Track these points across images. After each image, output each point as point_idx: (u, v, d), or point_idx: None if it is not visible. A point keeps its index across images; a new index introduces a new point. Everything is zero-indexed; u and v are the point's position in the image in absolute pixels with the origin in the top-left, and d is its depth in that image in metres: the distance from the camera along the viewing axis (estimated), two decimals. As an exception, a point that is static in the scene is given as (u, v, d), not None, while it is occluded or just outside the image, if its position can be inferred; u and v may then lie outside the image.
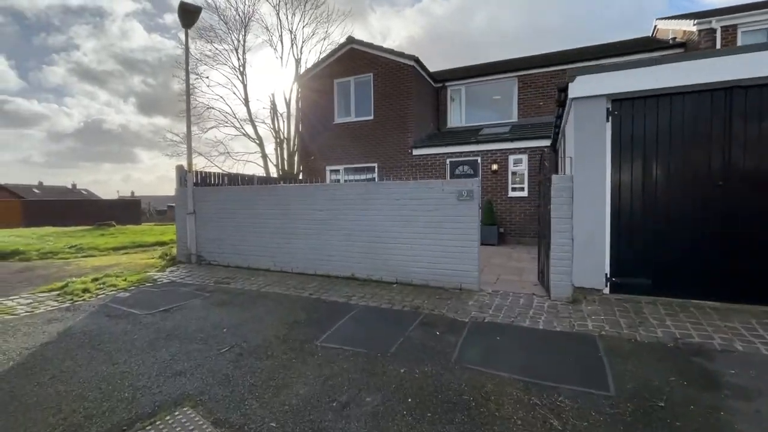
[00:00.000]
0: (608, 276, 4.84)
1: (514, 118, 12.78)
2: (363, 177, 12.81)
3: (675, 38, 11.49)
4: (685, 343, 3.53)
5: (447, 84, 13.74)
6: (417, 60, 11.95)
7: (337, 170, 13.29)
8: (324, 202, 6.48)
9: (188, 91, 8.85)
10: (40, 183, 48.34)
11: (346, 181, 12.84)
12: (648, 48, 11.34)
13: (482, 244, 10.26)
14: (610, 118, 4.75)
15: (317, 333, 4.04)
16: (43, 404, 2.79)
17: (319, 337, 3.94)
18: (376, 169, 12.58)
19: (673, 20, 11.81)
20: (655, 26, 13.64)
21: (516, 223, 10.73)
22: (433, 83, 13.66)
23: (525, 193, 10.66)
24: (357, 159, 12.88)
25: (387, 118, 12.31)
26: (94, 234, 13.60)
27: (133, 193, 58.56)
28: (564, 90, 4.98)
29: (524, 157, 10.67)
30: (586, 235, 4.85)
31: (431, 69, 13.18)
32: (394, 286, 5.84)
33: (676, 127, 4.57)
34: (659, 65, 4.41)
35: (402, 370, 3.21)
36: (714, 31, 9.91)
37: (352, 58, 12.84)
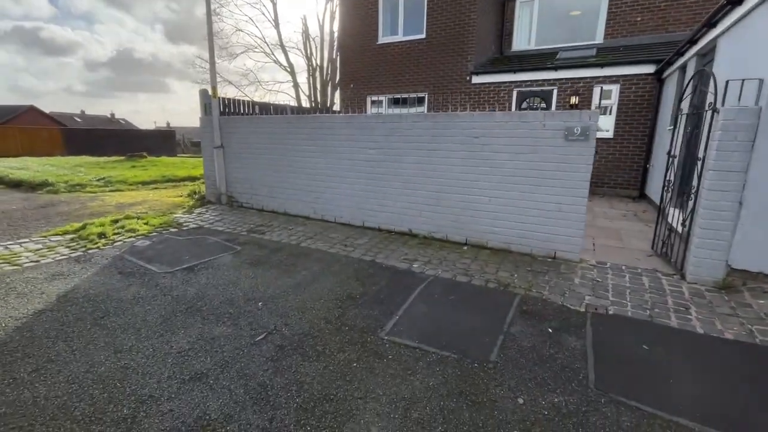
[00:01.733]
0: (791, 255, 3.39)
1: (599, 39, 10.31)
2: (409, 109, 11.13)
3: None
4: None
5: (516, -5, 11.17)
6: (487, -41, 9.50)
7: (380, 101, 11.62)
8: (378, 138, 5.14)
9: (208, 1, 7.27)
10: (82, 112, 48.97)
11: (388, 113, 11.25)
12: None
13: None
14: None
15: (381, 318, 2.99)
16: (8, 420, 1.94)
17: (384, 325, 2.90)
18: (426, 100, 10.82)
19: None
20: None
21: (595, 170, 8.98)
22: (499, -6, 11.15)
23: (610, 134, 8.75)
24: (403, 87, 11.10)
25: (442, 38, 10.25)
26: (125, 166, 13.06)
27: (168, 123, 58.70)
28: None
29: (615, 88, 8.58)
30: (765, 197, 3.32)
31: (500, -27, 10.61)
32: (465, 248, 4.65)
33: None
34: None
35: (520, 401, 2.12)
36: None
37: (403, -42, 10.46)
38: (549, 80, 9.18)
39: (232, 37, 19.94)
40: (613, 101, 8.64)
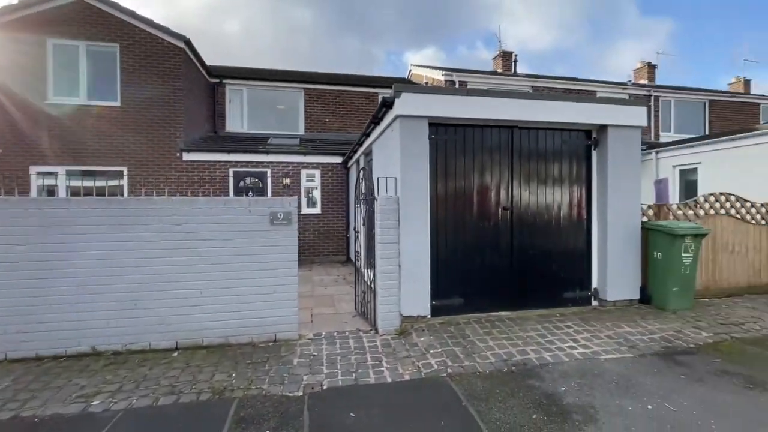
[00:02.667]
0: (430, 300, 4.76)
1: (301, 131, 12.29)
2: (102, 184, 9.10)
3: (427, 83, 13.96)
4: (515, 365, 3.65)
5: (226, 81, 11.81)
6: (189, 42, 9.59)
7: (53, 173, 8.91)
8: (29, 228, 3.75)
9: None
10: None
11: (69, 189, 8.75)
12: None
13: (276, 267, 9.17)
14: (428, 141, 4.72)
15: None
16: None
17: None
18: (126, 176, 9.22)
19: (426, 68, 14.37)
20: (410, 70, 16.36)
21: (310, 242, 10.10)
22: (208, 77, 11.42)
23: (318, 210, 10.21)
24: (91, 159, 9.05)
25: (144, 109, 9.25)
26: None
27: None
28: (388, 105, 4.65)
29: (317, 173, 10.23)
30: (412, 260, 4.61)
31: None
32: (176, 354, 3.91)
33: (478, 155, 4.99)
34: (470, 96, 4.70)
35: None
36: (455, 82, 12.56)
37: (84, 14, 9.00)
38: (263, 162, 9.87)
39: None
40: (317, 183, 10.20)
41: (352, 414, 2.87)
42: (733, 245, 5.90)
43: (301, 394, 3.16)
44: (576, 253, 5.33)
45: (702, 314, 5.00)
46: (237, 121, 12.10)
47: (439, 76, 13.09)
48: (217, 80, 11.69)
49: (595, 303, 5.37)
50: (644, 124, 5.24)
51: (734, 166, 8.31)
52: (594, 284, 5.37)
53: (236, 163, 9.75)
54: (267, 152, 9.86)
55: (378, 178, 4.76)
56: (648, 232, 5.34)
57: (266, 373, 3.50)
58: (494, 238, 5.05)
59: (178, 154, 9.42)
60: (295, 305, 4.33)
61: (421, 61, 55.03)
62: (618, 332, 4.43)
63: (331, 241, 10.20)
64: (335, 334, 4.53)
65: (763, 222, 6.09)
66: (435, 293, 4.81)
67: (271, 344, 4.18)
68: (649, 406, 2.93)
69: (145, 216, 3.98)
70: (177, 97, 9.39)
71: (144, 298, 3.95)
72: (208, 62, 11.22)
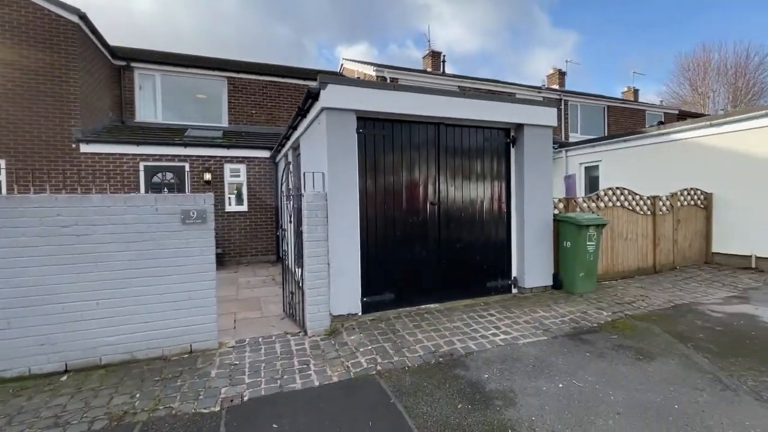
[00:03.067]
0: (361, 297, 4.69)
1: (225, 123, 11.47)
2: (-28, 181, 7.59)
3: (359, 77, 13.87)
4: (442, 356, 3.73)
5: (135, 65, 10.55)
6: (84, 17, 8.35)
7: None
8: None
9: None
10: None
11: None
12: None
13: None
14: (356, 135, 4.63)
15: None
16: None
17: None
18: (3, 171, 7.79)
19: (358, 63, 14.25)
20: (342, 65, 16.13)
21: (236, 242, 9.48)
22: (112, 59, 10.11)
23: (245, 207, 9.61)
24: (-45, 150, 7.49)
25: (27, 91, 7.87)
26: None
27: None
28: (314, 97, 4.45)
29: (242, 168, 9.61)
30: (342, 257, 4.49)
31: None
32: (65, 378, 3.36)
33: (406, 151, 5.02)
34: (398, 91, 4.69)
35: None
36: (386, 78, 12.62)
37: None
38: (180, 156, 9.01)
39: None
40: (242, 179, 9.59)
41: (274, 425, 2.69)
42: (627, 233, 6.71)
43: (218, 409, 2.89)
44: (498, 245, 5.64)
45: (603, 296, 5.60)
46: (149, 110, 10.90)
47: (370, 72, 13.06)
48: (124, 63, 10.40)
49: (515, 291, 5.74)
50: (555, 124, 5.69)
51: (626, 163, 9.48)
52: (514, 273, 5.74)
53: (148, 157, 8.76)
54: (185, 144, 9.01)
55: (305, 173, 4.56)
56: (559, 224, 5.83)
57: (178, 390, 3.15)
58: (423, 232, 5.13)
59: (74, 146, 8.20)
60: (214, 311, 3.98)
61: (353, 56, 54.83)
62: (534, 317, 4.76)
63: (260, 240, 9.67)
64: (260, 339, 4.26)
65: (649, 213, 7.01)
66: (366, 290, 4.76)
67: (186, 356, 3.79)
68: (560, 385, 3.17)
69: (21, 218, 3.34)
70: (71, 80, 8.14)
71: (21, 315, 3.32)
72: (117, 44, 9.92)
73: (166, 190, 8.87)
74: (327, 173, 4.43)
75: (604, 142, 10.11)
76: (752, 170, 7.11)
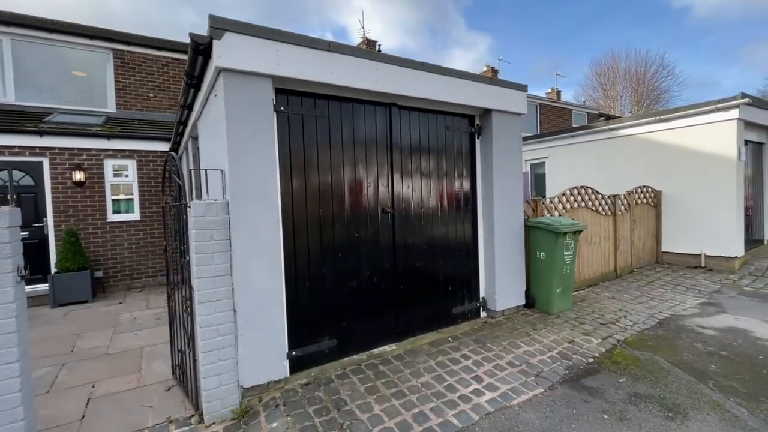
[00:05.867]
0: (288, 351, 3.23)
1: (112, 108, 9.00)
2: None
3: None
4: (415, 449, 2.46)
5: (-35, 24, 7.69)
6: None
7: None
8: None
9: None
10: None
11: None
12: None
13: (65, 303, 6.19)
14: (275, 115, 3.14)
15: None
16: None
17: None
18: None
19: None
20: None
21: (124, 261, 7.29)
22: (-77, 10, 7.20)
23: (136, 216, 7.44)
24: None
25: None
26: None
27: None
28: (203, 52, 2.85)
29: (132, 164, 7.43)
30: (257, 298, 2.99)
31: None
32: None
33: (349, 142, 3.65)
34: (335, 53, 3.26)
35: None
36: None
37: None
38: (34, 148, 6.60)
39: None
40: (132, 178, 7.41)
41: None
42: (592, 237, 6.07)
43: None
44: (463, 262, 4.54)
45: (581, 314, 4.79)
46: (-5, 86, 8.08)
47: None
48: (-52, 20, 7.51)
49: (483, 314, 4.69)
50: (525, 111, 4.74)
51: (573, 160, 9.12)
52: (482, 293, 4.68)
53: (-20, 149, 6.24)
54: (41, 133, 6.61)
55: (193, 171, 2.96)
56: (531, 231, 4.91)
57: None
58: (374, 251, 3.81)
59: None
60: (20, 417, 2.24)
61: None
62: (517, 355, 3.71)
63: (158, 257, 7.58)
64: (120, 441, 2.61)
65: (610, 213, 6.48)
66: (295, 339, 3.31)
67: None
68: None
69: None
70: None
71: None
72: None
73: (12, 197, 6.42)
74: (228, 172, 2.89)
75: (550, 137, 9.69)
76: (699, 166, 6.95)
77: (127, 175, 7.40)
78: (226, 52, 2.78)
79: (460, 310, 4.46)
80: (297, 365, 3.31)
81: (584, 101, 29.07)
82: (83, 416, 2.96)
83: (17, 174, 6.56)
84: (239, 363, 2.91)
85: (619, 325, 4.42)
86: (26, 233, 6.47)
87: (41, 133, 6.62)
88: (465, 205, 4.55)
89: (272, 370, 3.07)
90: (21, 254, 2.32)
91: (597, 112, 21.01)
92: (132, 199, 7.42)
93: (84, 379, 3.58)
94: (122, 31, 10.39)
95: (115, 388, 3.40)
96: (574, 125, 18.97)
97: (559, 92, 23.77)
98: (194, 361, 2.93)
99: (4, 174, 6.43)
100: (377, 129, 3.84)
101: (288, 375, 3.19)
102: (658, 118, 7.36)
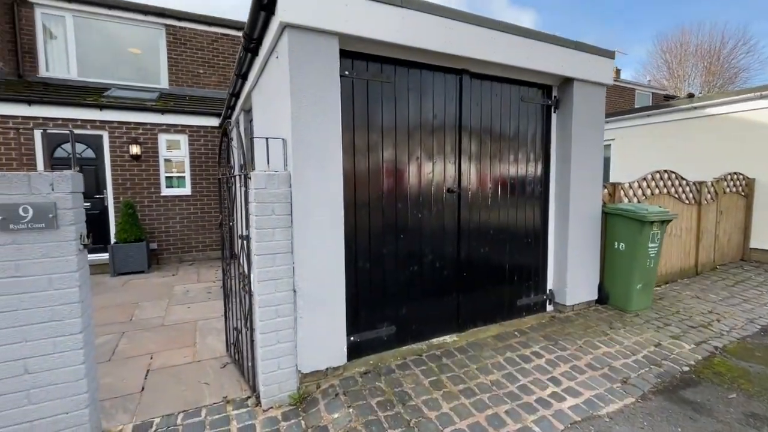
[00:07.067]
0: (347, 337, 3.02)
1: (164, 84, 9.15)
2: None
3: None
4: (494, 458, 2.17)
5: (35, 0, 7.96)
6: None
7: None
8: None
9: None
10: None
11: None
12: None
13: (123, 273, 6.42)
14: (339, 80, 2.84)
15: None
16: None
17: None
18: None
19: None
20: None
21: (176, 234, 7.46)
22: (-5, -13, 7.51)
23: (188, 190, 7.56)
24: None
25: None
26: None
27: None
28: (267, 7, 2.58)
29: (183, 139, 7.50)
30: (317, 277, 2.78)
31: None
32: None
33: (415, 112, 3.29)
34: (408, 9, 2.88)
35: None
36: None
37: None
38: (94, 121, 6.77)
39: None
40: (183, 153, 7.49)
41: None
42: (672, 228, 5.39)
43: None
44: (531, 249, 4.11)
45: (663, 314, 4.24)
46: (59, 62, 8.39)
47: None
48: (18, -3, 7.80)
49: (550, 308, 4.27)
50: (611, 81, 4.14)
51: (644, 143, 8.22)
52: (549, 285, 4.26)
53: (47, 121, 6.48)
54: (101, 107, 6.76)
55: (254, 139, 2.75)
56: (608, 218, 4.38)
57: None
58: (437, 233, 3.49)
59: (-72, 102, 5.81)
60: (84, 389, 2.16)
61: None
62: (596, 356, 3.30)
63: (208, 231, 7.69)
64: (179, 419, 2.52)
65: (694, 202, 5.73)
66: (354, 324, 3.09)
67: (20, 482, 2.00)
68: None
69: None
70: None
71: None
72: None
73: (75, 168, 6.65)
74: (291, 139, 2.64)
75: (617, 117, 8.78)
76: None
77: (178, 150, 7.48)
78: (292, 5, 2.49)
79: (525, 302, 4.07)
80: (354, 352, 3.10)
81: (649, 81, 26.59)
82: (143, 388, 2.92)
83: (80, 147, 6.79)
84: (298, 346, 2.72)
85: (712, 330, 3.86)
86: (88, 204, 6.73)
87: (101, 107, 6.78)
88: (536, 187, 4.10)
89: (331, 355, 2.88)
90: (84, 222, 2.21)
91: (663, 92, 19.10)
92: (183, 174, 7.52)
93: (142, 349, 3.59)
94: (174, 9, 10.46)
95: (171, 360, 3.36)
96: (636, 106, 17.36)
97: (618, 71, 21.89)
98: (251, 341, 2.78)
99: (68, 146, 6.66)
100: (446, 99, 3.45)
101: (346, 362, 2.98)
102: (759, 94, 6.36)
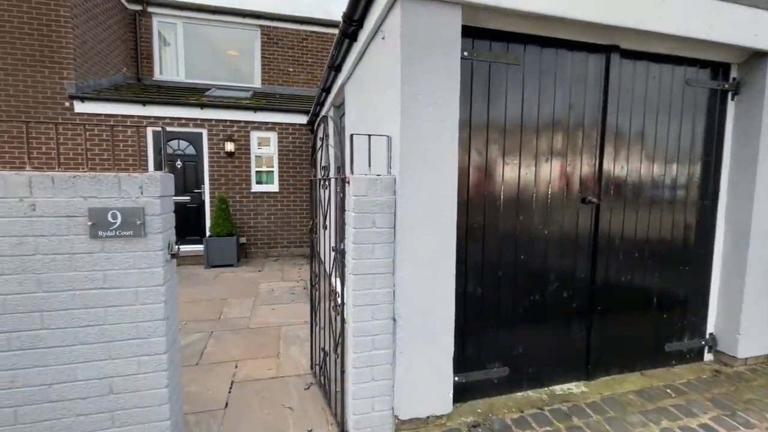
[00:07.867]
0: (453, 375, 2.47)
1: (257, 84, 9.49)
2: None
3: None
4: None
5: (152, 10, 8.73)
6: (74, -66, 6.51)
7: None
8: None
9: None
10: None
11: None
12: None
13: (215, 266, 6.69)
14: (459, 63, 2.29)
15: None
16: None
17: None
18: (-11, 133, 6.34)
19: None
20: None
21: (263, 230, 7.61)
22: (125, 2, 8.34)
23: (275, 187, 7.66)
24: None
25: (7, 37, 6.27)
26: None
27: None
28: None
29: (273, 136, 7.60)
30: (422, 304, 2.28)
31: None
32: None
33: (547, 101, 2.62)
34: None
35: None
36: None
37: None
38: (196, 119, 7.13)
39: None
40: (273, 150, 7.59)
41: None
42: None
43: None
44: (687, 277, 3.15)
45: None
46: (171, 66, 9.14)
47: None
48: (139, 8, 8.60)
49: (708, 357, 3.26)
50: (824, 54, 2.98)
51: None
52: (710, 327, 3.24)
53: (157, 120, 6.97)
54: (201, 105, 7.10)
55: (353, 136, 2.32)
56: (805, 243, 3.19)
57: None
58: (565, 254, 2.77)
59: (67, 104, 6.56)
60: (166, 415, 1.93)
61: None
62: (805, 443, 2.32)
63: (293, 228, 7.73)
64: (261, 455, 2.21)
65: None
66: (460, 362, 2.54)
67: None
68: None
69: None
70: (61, 24, 6.41)
71: None
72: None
73: (179, 163, 7.09)
74: (399, 137, 2.16)
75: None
76: None
77: (268, 147, 7.60)
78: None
79: (675, 347, 3.14)
80: (459, 395, 2.55)
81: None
82: (226, 404, 2.71)
83: (183, 144, 7.22)
84: (395, 386, 2.26)
85: None
86: (188, 198, 7.14)
87: (202, 106, 7.11)
88: (699, 197, 3.12)
89: (434, 400, 2.36)
90: (173, 228, 1.98)
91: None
92: (272, 171, 7.64)
93: (227, 354, 3.46)
94: (267, 12, 10.81)
95: (255, 372, 3.15)
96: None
97: None
98: (342, 371, 2.38)
99: (173, 143, 7.12)
100: (587, 84, 2.70)
101: (451, 408, 2.44)
102: None
